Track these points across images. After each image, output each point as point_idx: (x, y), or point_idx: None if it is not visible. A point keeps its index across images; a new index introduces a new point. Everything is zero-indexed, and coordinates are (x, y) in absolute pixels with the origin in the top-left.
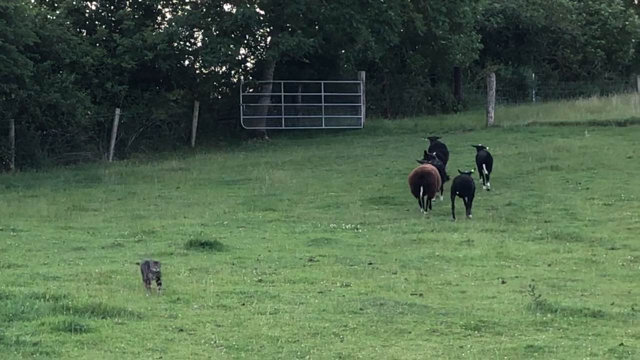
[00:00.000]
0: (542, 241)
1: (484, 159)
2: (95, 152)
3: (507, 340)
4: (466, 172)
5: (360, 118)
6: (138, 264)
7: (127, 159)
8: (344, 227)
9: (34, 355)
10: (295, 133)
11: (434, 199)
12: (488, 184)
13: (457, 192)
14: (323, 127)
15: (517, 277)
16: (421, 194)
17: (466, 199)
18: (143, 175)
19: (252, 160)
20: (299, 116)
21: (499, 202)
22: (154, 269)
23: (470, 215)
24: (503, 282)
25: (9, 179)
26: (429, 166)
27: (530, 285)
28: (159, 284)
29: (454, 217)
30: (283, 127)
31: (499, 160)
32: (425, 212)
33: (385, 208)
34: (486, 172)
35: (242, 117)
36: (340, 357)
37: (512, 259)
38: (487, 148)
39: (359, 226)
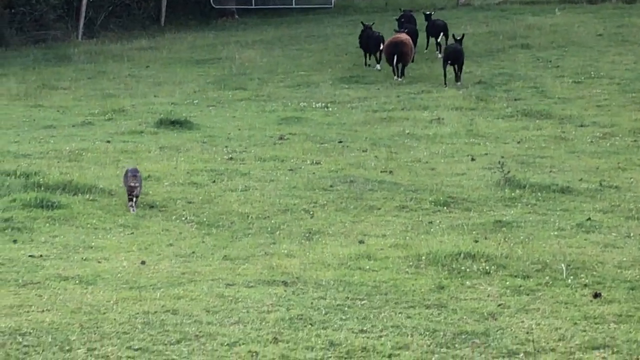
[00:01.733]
0: (512, 119)
1: (441, 28)
2: (64, 30)
3: (475, 216)
4: (457, 39)
5: None
6: (109, 142)
7: (97, 37)
8: (314, 106)
9: (6, 231)
10: (265, 12)
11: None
12: (439, 54)
13: (449, 61)
14: (293, 6)
15: (486, 154)
16: (394, 62)
17: (456, 66)
18: (113, 54)
19: (222, 40)
20: None
21: (469, 80)
22: (132, 183)
23: (460, 83)
24: (472, 159)
25: None
26: (403, 35)
27: (499, 162)
28: (132, 199)
29: (445, 84)
30: (253, 6)
31: (470, 39)
32: (398, 79)
33: (355, 87)
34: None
35: None
36: (310, 233)
37: (482, 137)
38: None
39: (329, 105)
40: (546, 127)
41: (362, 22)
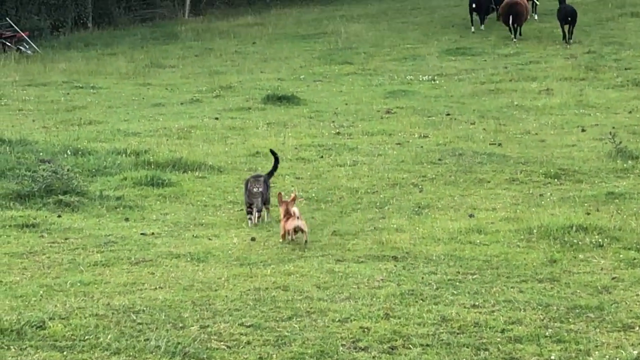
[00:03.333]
0: (623, 88)
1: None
2: (171, 9)
3: (587, 188)
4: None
5: None
6: (217, 118)
7: (203, 15)
8: (420, 79)
9: (118, 209)
10: None
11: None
12: (571, 40)
13: (569, 19)
14: None
15: (597, 125)
16: (511, 22)
17: (571, 26)
18: (219, 31)
19: (327, 14)
20: None
21: (578, 50)
22: (254, 189)
23: (572, 40)
24: (583, 130)
25: (87, 37)
26: None
27: (610, 133)
28: (253, 211)
29: (566, 41)
30: None
31: (578, 8)
32: (515, 39)
33: (462, 59)
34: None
35: None
36: (419, 207)
37: (592, 107)
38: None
39: (436, 77)
40: None
41: None
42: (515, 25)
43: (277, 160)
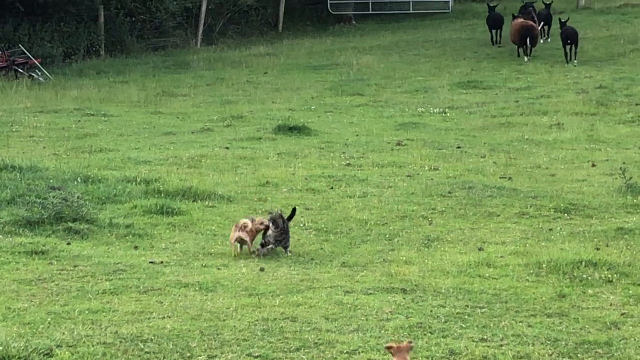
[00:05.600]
0: (633, 124)
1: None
2: (183, 38)
3: (597, 223)
4: (564, 21)
5: (448, 2)
6: (227, 148)
7: (215, 44)
8: (431, 111)
9: (127, 237)
10: (382, 17)
11: None
12: (575, 61)
13: (569, 40)
14: (411, 11)
15: (607, 160)
16: (528, 43)
17: (573, 46)
18: (231, 61)
19: (339, 45)
20: (386, 0)
21: (590, 85)
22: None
23: (575, 62)
24: (593, 165)
25: (99, 65)
26: (530, 21)
27: (620, 168)
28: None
29: (567, 61)
30: (370, 12)
31: (590, 43)
32: (527, 59)
33: (473, 92)
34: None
35: (329, 1)
36: (428, 240)
37: (603, 142)
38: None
39: (447, 110)
40: None
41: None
42: (530, 47)
43: (293, 212)
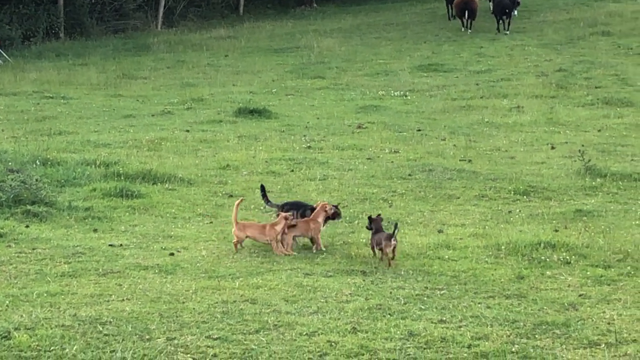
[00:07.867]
0: (593, 107)
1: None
2: (144, 20)
3: (555, 205)
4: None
5: None
6: (188, 131)
7: (176, 27)
8: (392, 94)
9: (86, 220)
10: (343, 0)
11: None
12: (506, 31)
13: (506, 10)
14: None
15: (566, 142)
16: (465, 17)
17: (504, 17)
18: (192, 44)
19: (300, 28)
20: None
21: (549, 68)
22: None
23: (507, 32)
24: (552, 148)
25: (59, 47)
26: None
27: (579, 151)
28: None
29: (499, 30)
30: None
31: (550, 26)
32: (468, 30)
33: (434, 75)
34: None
35: None
36: (388, 222)
37: (562, 125)
38: None
39: (407, 93)
40: (627, 115)
41: None
42: (470, 21)
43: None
